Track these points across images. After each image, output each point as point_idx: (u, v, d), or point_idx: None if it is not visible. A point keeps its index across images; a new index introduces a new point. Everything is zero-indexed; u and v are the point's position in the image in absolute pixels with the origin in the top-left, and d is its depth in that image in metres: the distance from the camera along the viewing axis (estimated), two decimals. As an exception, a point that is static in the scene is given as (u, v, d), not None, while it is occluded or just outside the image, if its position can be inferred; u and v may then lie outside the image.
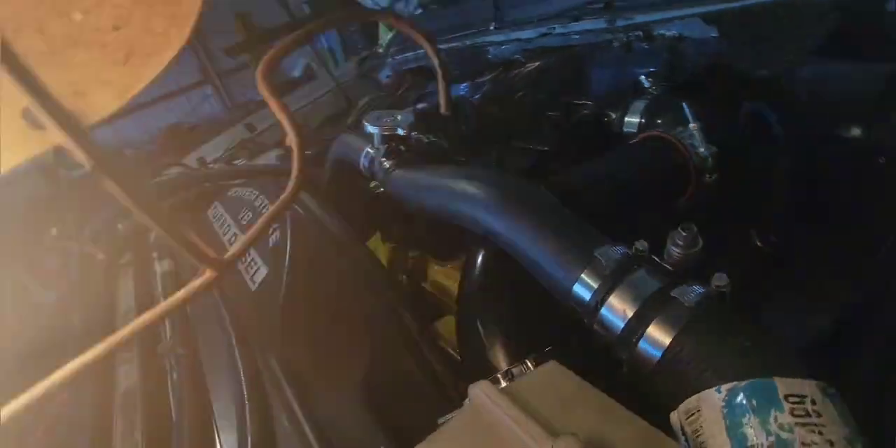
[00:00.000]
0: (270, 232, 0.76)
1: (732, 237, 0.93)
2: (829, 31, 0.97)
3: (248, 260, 0.75)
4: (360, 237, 1.13)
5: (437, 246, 0.99)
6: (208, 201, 1.14)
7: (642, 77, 1.06)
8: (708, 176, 0.77)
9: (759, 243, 0.95)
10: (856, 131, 1.07)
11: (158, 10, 0.42)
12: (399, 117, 0.86)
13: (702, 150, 0.76)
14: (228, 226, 0.90)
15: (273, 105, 0.60)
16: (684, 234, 0.46)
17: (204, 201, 1.16)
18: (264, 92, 0.61)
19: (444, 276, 0.99)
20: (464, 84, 2.11)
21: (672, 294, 0.43)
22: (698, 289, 0.43)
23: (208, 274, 0.46)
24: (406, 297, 0.69)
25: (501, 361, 0.56)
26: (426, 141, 1.35)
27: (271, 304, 0.63)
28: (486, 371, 0.57)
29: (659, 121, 0.94)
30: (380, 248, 1.12)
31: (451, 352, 0.90)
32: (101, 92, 0.46)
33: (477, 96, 1.87)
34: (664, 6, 1.21)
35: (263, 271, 0.70)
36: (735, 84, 1.21)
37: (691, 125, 0.78)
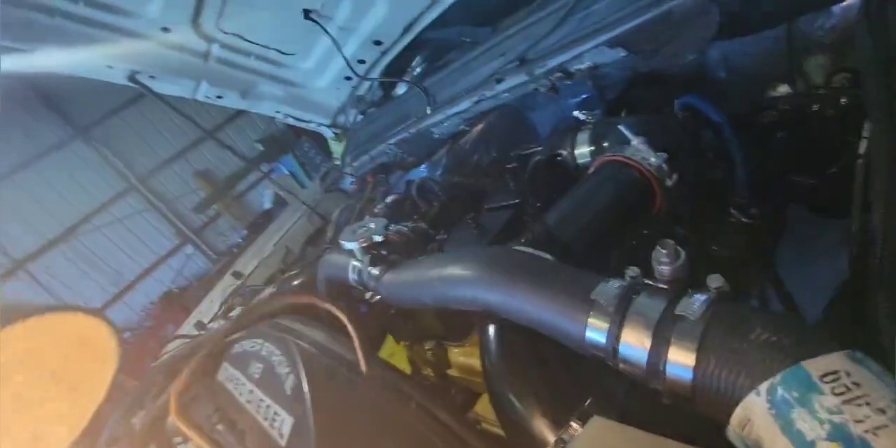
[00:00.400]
0: (284, 378, 0.78)
1: (721, 221, 0.96)
2: (716, 19, 1.09)
3: (271, 413, 0.76)
4: (375, 346, 1.15)
5: (447, 330, 1.01)
6: (217, 364, 1.16)
7: (576, 112, 1.17)
8: (668, 180, 0.82)
9: (744, 219, 0.98)
10: (783, 88, 1.17)
11: (87, 353, 0.62)
12: (372, 225, 0.93)
13: (653, 159, 0.82)
14: (243, 384, 0.91)
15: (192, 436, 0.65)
16: (664, 251, 0.50)
17: (214, 365, 1.18)
18: (184, 428, 0.68)
19: (466, 356, 1.00)
20: (423, 166, 2.27)
21: (677, 312, 0.45)
22: (699, 298, 0.46)
23: None
24: (438, 393, 0.69)
25: (547, 431, 0.56)
26: (406, 229, 1.43)
27: (307, 451, 0.63)
28: (536, 444, 0.56)
29: (605, 144, 1.01)
30: (396, 350, 1.13)
31: (499, 431, 0.87)
32: (56, 429, 0.64)
33: (439, 172, 2.00)
34: (570, 46, 1.36)
35: (289, 421, 0.71)
36: (659, 87, 1.33)
37: (634, 141, 0.85)
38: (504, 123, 1.88)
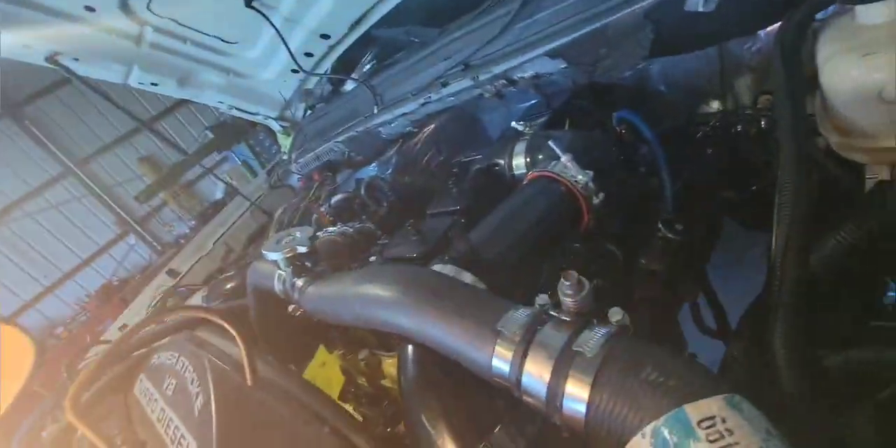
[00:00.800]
0: (194, 397, 0.74)
1: (647, 237, 0.98)
2: (649, 36, 1.11)
3: (178, 436, 0.71)
4: (307, 355, 1.11)
5: (380, 341, 0.99)
6: (134, 376, 1.09)
7: (513, 122, 1.16)
8: (595, 198, 0.82)
9: (669, 235, 1.00)
10: (714, 104, 1.21)
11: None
12: (297, 234, 0.88)
13: (580, 177, 0.82)
14: (156, 400, 0.85)
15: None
16: (567, 282, 0.49)
17: (131, 378, 1.11)
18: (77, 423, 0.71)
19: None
20: (372, 165, 2.22)
21: (575, 347, 0.45)
22: (599, 332, 0.45)
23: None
24: (353, 417, 0.67)
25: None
26: (352, 230, 1.38)
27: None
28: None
29: (540, 157, 1.01)
30: (328, 360, 1.09)
31: None
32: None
33: (388, 172, 1.97)
34: (512, 54, 1.36)
35: (193, 445, 0.67)
36: (603, 98, 1.35)
37: (563, 158, 0.85)
38: (454, 125, 1.86)
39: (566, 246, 0.89)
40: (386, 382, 1.01)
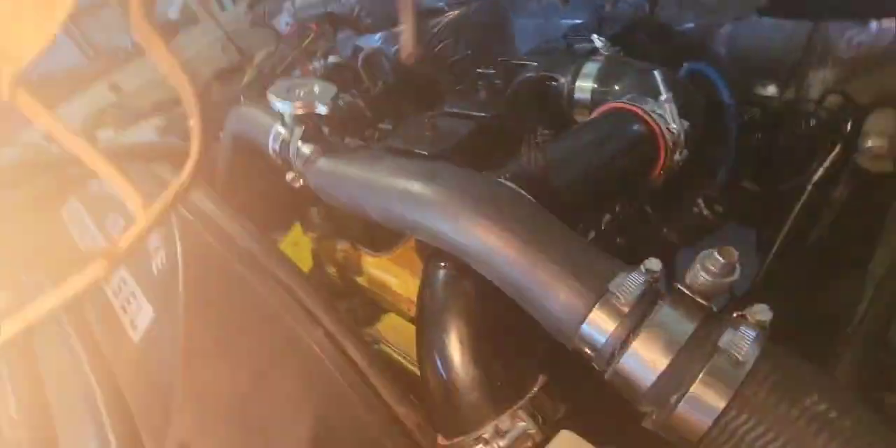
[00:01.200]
0: (152, 251, 0.55)
1: (680, 207, 0.89)
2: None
3: (127, 293, 0.54)
4: (280, 228, 0.94)
5: (369, 236, 0.84)
6: (63, 193, 0.86)
7: (594, 36, 0.94)
8: (678, 153, 0.68)
9: (705, 212, 0.92)
10: (771, 90, 1.06)
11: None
12: (317, 89, 0.65)
13: (674, 125, 0.67)
14: (93, 237, 0.66)
15: (158, 55, 0.47)
16: (722, 260, 0.36)
17: (57, 192, 0.87)
18: (144, 38, 0.46)
19: (381, 269, 0.85)
20: (378, 34, 1.86)
21: (720, 345, 0.34)
22: (748, 333, 0.34)
23: (99, 264, 0.44)
24: (350, 323, 0.54)
25: (485, 409, 0.45)
26: (341, 103, 1.14)
27: (166, 363, 0.45)
28: (466, 417, 0.46)
29: (616, 87, 0.83)
30: (301, 241, 0.94)
31: (401, 360, 0.78)
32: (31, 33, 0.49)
33: (395, 48, 1.65)
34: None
35: (149, 312, 0.50)
36: (660, 39, 1.14)
37: (663, 97, 0.68)
38: (484, 18, 1.58)
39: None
40: (361, 280, 0.89)
